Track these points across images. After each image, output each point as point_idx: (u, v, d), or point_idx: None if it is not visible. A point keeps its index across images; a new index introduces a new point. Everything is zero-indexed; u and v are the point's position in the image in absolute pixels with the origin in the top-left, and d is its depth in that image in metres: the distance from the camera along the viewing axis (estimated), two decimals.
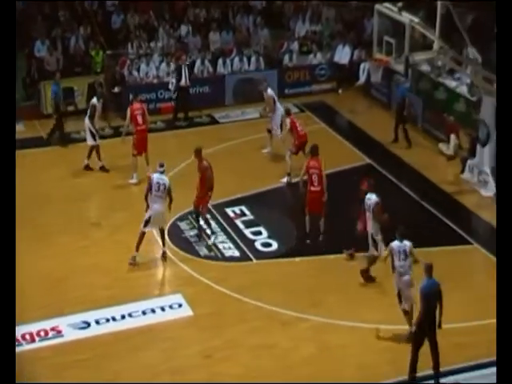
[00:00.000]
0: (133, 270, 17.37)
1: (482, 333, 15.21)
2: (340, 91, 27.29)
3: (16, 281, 11.16)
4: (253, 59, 26.89)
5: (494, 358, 14.43)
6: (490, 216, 19.70)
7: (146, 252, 17.96)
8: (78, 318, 15.66)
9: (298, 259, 17.92)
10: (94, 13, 27.88)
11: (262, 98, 22.94)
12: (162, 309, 16.14)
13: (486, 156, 20.68)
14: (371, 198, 16.61)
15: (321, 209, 18.25)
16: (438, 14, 23.19)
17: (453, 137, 22.50)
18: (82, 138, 22.48)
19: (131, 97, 24.40)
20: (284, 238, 18.56)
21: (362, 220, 17.03)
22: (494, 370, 14.24)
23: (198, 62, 26.27)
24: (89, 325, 15.58)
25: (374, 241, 16.58)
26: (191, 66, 26.07)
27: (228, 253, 18.13)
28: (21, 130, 22.80)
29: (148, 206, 17.42)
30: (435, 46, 23.11)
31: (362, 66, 26.90)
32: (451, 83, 24.31)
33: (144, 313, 15.98)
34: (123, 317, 15.83)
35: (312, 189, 18.17)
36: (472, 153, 21.27)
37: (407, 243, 14.92)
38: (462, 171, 21.39)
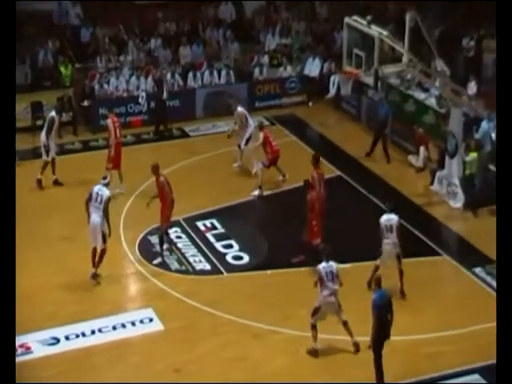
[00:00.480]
0: (103, 284, 17.23)
1: (453, 343, 15.33)
2: (310, 104, 27.39)
3: None
4: (223, 73, 26.91)
5: (464, 368, 14.66)
6: (459, 227, 19.90)
7: (116, 266, 17.89)
8: (48, 334, 15.49)
9: (269, 272, 17.89)
10: (62, 26, 27.79)
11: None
12: (133, 323, 16.01)
13: (454, 167, 20.81)
14: (392, 219, 16.61)
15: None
16: (406, 27, 23.39)
17: (422, 149, 22.61)
18: None
19: (101, 110, 24.57)
20: (255, 250, 18.52)
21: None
22: (465, 379, 14.47)
23: (169, 76, 26.25)
24: (58, 341, 15.42)
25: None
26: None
27: (199, 266, 18.06)
28: None
29: (89, 217, 17.27)
30: (404, 58, 23.31)
31: (332, 78, 27.02)
32: (420, 95, 24.47)
33: (114, 328, 15.85)
34: (93, 332, 15.68)
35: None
36: (441, 164, 21.40)
37: (334, 265, 14.97)
38: (432, 183, 21.50)
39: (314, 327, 14.96)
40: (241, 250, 18.56)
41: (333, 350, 15.10)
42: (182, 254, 18.42)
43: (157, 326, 15.97)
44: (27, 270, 17.54)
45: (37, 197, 20.97)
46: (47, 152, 21.29)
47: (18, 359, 14.76)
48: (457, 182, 20.67)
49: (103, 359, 15.05)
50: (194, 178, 21.99)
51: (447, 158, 21.05)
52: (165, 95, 25.02)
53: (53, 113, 21.55)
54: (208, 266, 18.08)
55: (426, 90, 24.45)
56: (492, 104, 22.89)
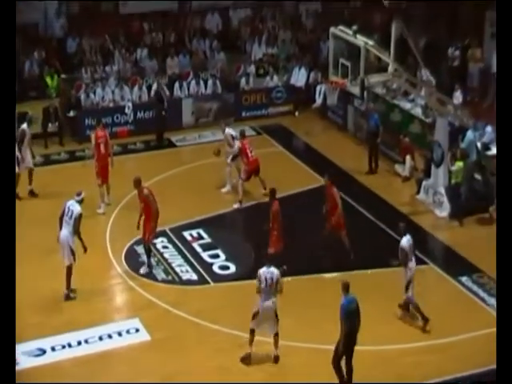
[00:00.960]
0: (90, 295, 17.17)
1: (439, 351, 15.35)
2: (297, 114, 27.44)
3: None
4: (209, 82, 26.93)
5: (451, 376, 14.69)
6: (445, 236, 19.95)
7: (102, 277, 17.87)
8: (33, 345, 15.43)
9: (255, 281, 17.82)
10: (48, 37, 27.78)
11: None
12: (119, 334, 15.98)
13: (440, 177, 20.87)
14: (405, 242, 16.27)
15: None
16: (392, 36, 23.45)
17: (408, 158, 22.70)
18: (37, 162, 22.27)
19: (88, 121, 24.54)
20: (242, 260, 18.52)
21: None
22: None
23: (155, 86, 26.25)
24: (44, 352, 15.36)
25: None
26: (148, 90, 26.19)
27: (185, 276, 18.04)
28: None
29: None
30: (390, 68, 23.36)
31: (318, 88, 27.10)
32: (406, 105, 24.57)
33: (101, 338, 15.81)
34: (79, 343, 15.65)
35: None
36: (427, 174, 21.47)
37: (275, 271, 15.00)
38: (418, 192, 21.57)
39: (251, 332, 15.08)
40: (227, 259, 18.56)
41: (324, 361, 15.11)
42: (169, 264, 18.40)
43: (143, 336, 15.94)
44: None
45: (20, 208, 20.85)
46: (18, 164, 20.85)
47: None
48: (443, 191, 20.74)
49: (90, 370, 14.98)
50: (181, 187, 21.99)
51: (433, 167, 21.12)
52: (165, 105, 25.09)
53: (24, 125, 21.27)
54: (195, 276, 18.06)
55: (411, 100, 24.56)
56: (477, 113, 23.13)
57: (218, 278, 17.98)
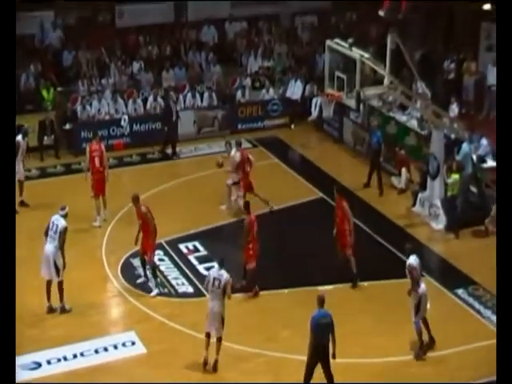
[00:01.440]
0: (86, 308, 17.12)
1: (435, 363, 15.34)
2: (292, 126, 27.49)
3: None
4: (205, 95, 26.97)
5: None
6: (441, 249, 19.96)
7: (98, 290, 17.84)
8: (29, 358, 15.36)
9: (252, 294, 17.87)
10: (44, 50, 27.83)
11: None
12: (115, 347, 15.93)
13: (436, 189, 20.91)
14: (412, 261, 15.87)
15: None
16: (387, 49, 23.54)
17: (404, 170, 22.74)
18: (33, 175, 22.27)
19: (83, 134, 24.54)
20: (237, 273, 18.46)
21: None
22: None
23: (151, 99, 26.29)
24: (40, 365, 15.31)
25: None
26: (144, 102, 26.23)
27: (181, 289, 18.02)
28: None
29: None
30: (385, 81, 23.44)
31: (314, 101, 27.15)
32: (402, 117, 24.62)
33: (96, 351, 15.76)
34: (75, 356, 15.60)
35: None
36: (423, 186, 21.49)
37: (225, 275, 15.14)
38: (414, 204, 21.59)
39: (206, 335, 15.20)
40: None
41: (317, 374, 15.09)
42: (165, 277, 18.37)
43: (139, 349, 15.91)
44: None
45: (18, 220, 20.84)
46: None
47: None
48: (438, 203, 20.76)
49: (85, 383, 14.91)
50: (177, 200, 22.00)
51: (429, 179, 21.15)
52: (174, 117, 25.12)
53: (18, 137, 21.28)
54: (191, 289, 18.04)
55: (407, 113, 24.62)
56: (473, 126, 23.20)
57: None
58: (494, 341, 15.59)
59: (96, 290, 17.86)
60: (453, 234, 20.35)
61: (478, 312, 17.14)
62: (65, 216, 16.95)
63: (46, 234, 16.85)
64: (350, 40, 24.39)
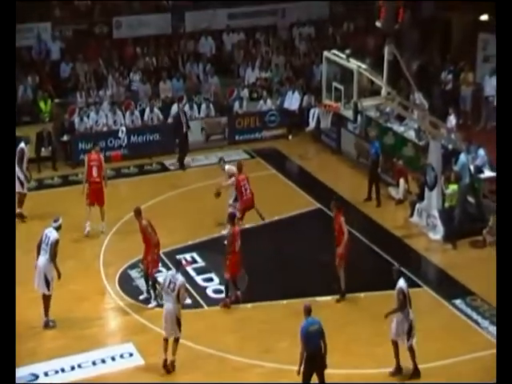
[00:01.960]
0: (84, 319, 17.10)
1: (432, 375, 15.31)
2: (290, 137, 27.52)
3: None
4: (203, 106, 27.00)
5: None
6: (438, 259, 19.95)
7: (96, 301, 17.82)
8: (26, 370, 15.30)
9: (249, 305, 17.84)
10: (42, 62, 27.86)
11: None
12: (113, 358, 15.90)
13: (433, 200, 20.90)
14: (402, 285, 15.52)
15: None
16: (385, 60, 23.56)
17: (402, 181, 22.74)
18: (30, 186, 22.22)
19: (81, 145, 24.55)
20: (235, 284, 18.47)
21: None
22: None
23: (148, 110, 26.32)
24: (37, 377, 15.26)
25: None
26: (142, 114, 26.25)
27: None
28: None
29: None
30: (383, 91, 23.45)
31: (311, 111, 27.16)
32: (399, 128, 24.65)
33: (94, 363, 15.73)
34: (73, 368, 15.56)
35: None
36: (420, 196, 21.49)
37: (180, 279, 15.29)
38: (411, 215, 21.58)
39: (164, 339, 15.35)
40: (221, 283, 18.49)
41: None
42: (163, 288, 18.30)
43: (137, 360, 15.88)
44: None
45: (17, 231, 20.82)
46: (22, 184, 21.07)
47: None
48: (436, 214, 20.75)
49: None
50: (174, 211, 21.98)
51: (426, 190, 21.15)
52: (184, 128, 25.10)
53: (22, 144, 21.32)
54: (188, 300, 17.95)
55: (405, 124, 24.65)
56: (470, 136, 23.24)
57: (211, 302, 17.92)
58: (492, 351, 15.69)
59: (93, 301, 17.83)
60: (450, 245, 20.33)
61: (476, 322, 17.11)
62: (58, 228, 16.86)
63: (39, 246, 16.78)
64: (348, 51, 24.40)
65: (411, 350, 15.19)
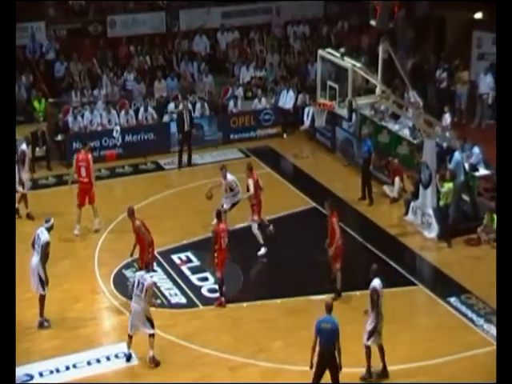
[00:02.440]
0: (78, 319, 17.09)
1: (427, 373, 15.31)
2: (285, 136, 27.50)
3: None
4: (198, 105, 26.94)
5: None
6: (433, 257, 19.95)
7: (90, 301, 17.81)
8: (21, 370, 15.22)
9: (245, 304, 17.84)
10: (36, 61, 27.81)
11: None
12: (108, 358, 15.89)
13: (428, 198, 20.91)
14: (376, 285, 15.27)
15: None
16: (379, 58, 23.55)
17: (397, 180, 22.74)
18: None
19: (75, 145, 24.50)
20: (230, 283, 18.44)
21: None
22: None
23: (142, 109, 26.28)
24: (32, 377, 15.24)
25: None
26: (136, 113, 26.22)
27: (174, 299, 17.98)
28: None
29: None
30: (378, 90, 23.44)
31: (306, 110, 27.16)
32: (394, 127, 24.65)
33: (89, 363, 15.72)
34: (67, 368, 15.55)
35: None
36: (415, 195, 21.50)
37: (148, 279, 15.40)
38: (406, 213, 21.58)
39: (129, 336, 15.59)
40: (216, 282, 18.48)
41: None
42: (158, 288, 18.30)
43: (132, 360, 15.82)
44: None
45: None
46: (22, 185, 21.09)
47: None
48: (431, 212, 20.76)
49: None
50: (169, 211, 21.95)
51: (421, 188, 21.15)
52: (187, 126, 25.02)
53: (23, 146, 21.34)
54: (183, 299, 18.01)
55: (400, 122, 24.64)
56: (464, 134, 23.25)
57: (206, 302, 17.90)
58: (488, 349, 15.76)
59: (88, 301, 17.82)
60: (445, 243, 20.34)
61: (471, 320, 17.11)
62: (49, 228, 16.81)
63: (33, 246, 16.77)
64: (342, 49, 24.36)
65: (381, 349, 15.17)
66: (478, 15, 28.61)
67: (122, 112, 26.12)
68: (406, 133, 24.16)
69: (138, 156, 25.39)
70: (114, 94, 27.26)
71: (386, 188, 23.07)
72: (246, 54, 30.11)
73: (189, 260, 19.60)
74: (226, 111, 27.57)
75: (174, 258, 19.63)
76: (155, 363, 15.51)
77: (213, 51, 30.46)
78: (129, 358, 15.68)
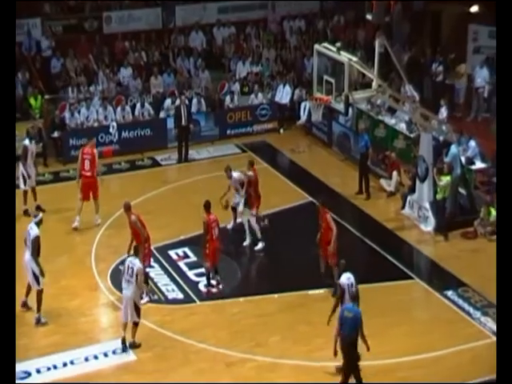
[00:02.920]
0: (75, 315, 17.09)
1: (426, 366, 15.33)
2: (281, 131, 27.50)
3: None
4: (194, 101, 26.91)
5: None
6: (430, 251, 19.97)
7: (88, 297, 17.82)
8: (18, 367, 14.96)
9: (241, 299, 17.85)
10: (32, 58, 27.77)
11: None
12: (105, 354, 15.88)
13: (425, 191, 20.91)
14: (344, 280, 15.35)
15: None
16: (375, 53, 23.56)
17: (394, 173, 22.76)
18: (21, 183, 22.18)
19: (72, 141, 24.50)
20: (227, 278, 18.46)
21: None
22: None
23: (139, 105, 26.26)
24: (29, 374, 15.23)
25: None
26: (132, 109, 26.20)
27: (171, 295, 17.98)
28: None
29: None
30: (374, 84, 23.45)
31: (302, 105, 27.17)
32: (390, 121, 24.66)
33: (86, 359, 15.71)
34: (65, 364, 15.53)
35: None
36: (412, 188, 21.50)
37: (137, 264, 15.64)
38: (403, 207, 21.60)
39: (124, 325, 15.82)
40: (213, 278, 18.48)
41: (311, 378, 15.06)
42: (155, 284, 18.32)
43: (129, 356, 15.84)
44: None
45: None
46: (24, 181, 21.06)
47: None
48: (427, 205, 20.76)
49: None
50: (166, 206, 21.95)
51: (418, 182, 21.16)
52: (183, 122, 24.97)
53: (26, 141, 21.32)
54: (181, 295, 18.01)
55: (396, 116, 24.64)
56: (461, 128, 23.26)
57: (203, 297, 17.91)
58: (484, 342, 15.79)
59: (86, 297, 17.81)
60: (442, 236, 20.36)
61: (468, 313, 17.13)
62: (38, 223, 16.80)
63: (26, 242, 16.74)
64: (338, 44, 24.36)
65: None
66: (474, 9, 28.59)
67: (119, 108, 26.08)
68: (402, 127, 24.18)
69: (135, 152, 25.38)
70: (110, 90, 27.23)
71: (383, 182, 23.08)
72: (242, 49, 30.07)
73: (186, 255, 19.59)
74: (222, 106, 27.56)
75: (171, 253, 19.63)
76: (135, 346, 15.87)
77: (209, 47, 30.42)
78: (125, 348, 15.80)
